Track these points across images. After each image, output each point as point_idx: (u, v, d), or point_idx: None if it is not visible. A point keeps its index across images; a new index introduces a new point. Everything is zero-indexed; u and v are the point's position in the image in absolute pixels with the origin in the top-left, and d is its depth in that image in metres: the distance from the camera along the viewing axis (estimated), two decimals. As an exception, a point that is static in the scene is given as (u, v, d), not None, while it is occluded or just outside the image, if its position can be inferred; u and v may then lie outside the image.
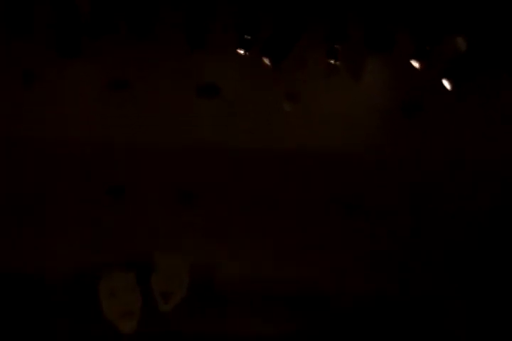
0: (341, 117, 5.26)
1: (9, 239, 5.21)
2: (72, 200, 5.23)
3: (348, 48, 5.19)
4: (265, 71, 5.18)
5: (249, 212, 5.31)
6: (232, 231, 5.37)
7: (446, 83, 5.20)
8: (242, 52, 5.16)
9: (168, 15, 5.10)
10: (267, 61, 5.16)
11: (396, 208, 5.30)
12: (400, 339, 5.73)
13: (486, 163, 5.29)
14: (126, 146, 5.22)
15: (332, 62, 5.21)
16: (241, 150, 5.26)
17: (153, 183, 5.26)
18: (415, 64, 5.22)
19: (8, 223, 5.21)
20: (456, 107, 5.29)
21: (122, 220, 5.29)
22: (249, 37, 5.12)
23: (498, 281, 5.35)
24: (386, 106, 5.30)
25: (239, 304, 5.59)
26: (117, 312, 5.34)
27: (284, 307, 5.62)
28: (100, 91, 5.16)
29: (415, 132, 5.31)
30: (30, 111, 5.08)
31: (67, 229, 5.27)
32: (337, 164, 5.26)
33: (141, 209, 5.29)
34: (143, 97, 5.17)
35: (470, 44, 5.16)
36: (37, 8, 4.98)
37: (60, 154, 5.19)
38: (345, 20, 5.12)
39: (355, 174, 5.27)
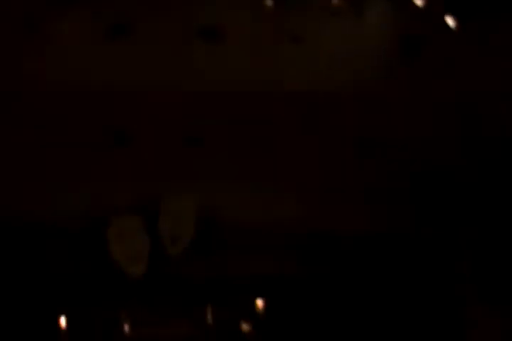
0: (346, 57, 5.21)
1: (17, 185, 5.18)
2: (77, 146, 5.18)
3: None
4: (268, 12, 5.09)
5: (255, 154, 5.31)
6: (238, 174, 5.37)
7: (449, 20, 5.16)
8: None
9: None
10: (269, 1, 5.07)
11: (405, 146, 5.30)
12: (409, 275, 5.86)
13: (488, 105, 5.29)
14: (128, 92, 5.14)
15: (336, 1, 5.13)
16: (245, 93, 5.21)
17: (158, 128, 5.22)
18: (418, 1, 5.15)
19: (15, 170, 5.17)
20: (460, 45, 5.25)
21: (128, 165, 5.26)
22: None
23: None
24: (389, 45, 5.25)
25: (244, 246, 5.66)
26: (125, 257, 5.37)
27: (290, 249, 5.70)
28: (100, 36, 5.04)
29: (419, 71, 5.28)
30: (30, 59, 4.97)
31: (74, 175, 5.23)
32: (343, 105, 5.24)
33: (146, 154, 5.26)
34: (143, 42, 5.06)
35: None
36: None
37: (60, 102, 5.11)
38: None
39: (362, 115, 5.26)
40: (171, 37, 5.02)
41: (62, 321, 7.11)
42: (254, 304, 6.81)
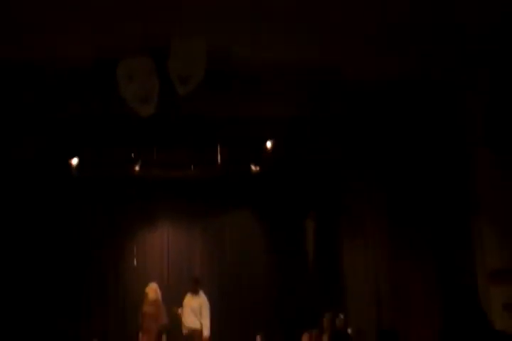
0: None
1: (21, 29, 5.02)
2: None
3: None
4: None
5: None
6: (250, 12, 5.18)
7: None
8: None
9: None
10: None
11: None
12: (418, 120, 5.83)
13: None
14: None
15: None
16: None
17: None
18: None
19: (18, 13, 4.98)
20: None
21: (137, 5, 5.06)
22: None
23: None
24: None
25: (255, 87, 5.58)
26: (135, 97, 5.29)
27: (299, 91, 5.62)
28: None
29: None
30: None
31: (84, 14, 5.04)
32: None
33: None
34: None
35: None
36: None
37: None
38: None
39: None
40: None
41: (74, 162, 7.18)
42: (263, 145, 6.83)
